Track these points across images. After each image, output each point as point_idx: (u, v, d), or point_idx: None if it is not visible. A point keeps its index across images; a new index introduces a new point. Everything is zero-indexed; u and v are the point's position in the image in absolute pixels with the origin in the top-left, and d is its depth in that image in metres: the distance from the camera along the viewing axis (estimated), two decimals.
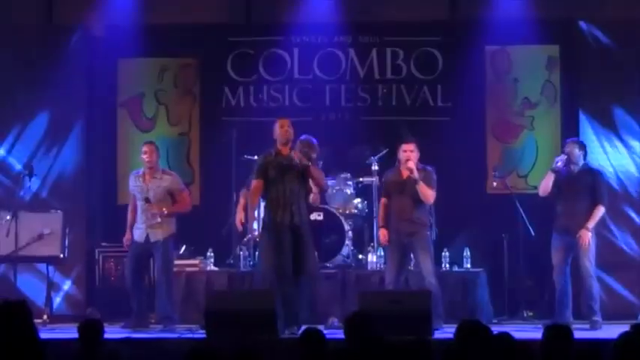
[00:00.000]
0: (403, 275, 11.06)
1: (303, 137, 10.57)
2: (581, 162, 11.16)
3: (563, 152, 11.24)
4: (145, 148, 11.30)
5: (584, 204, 11.04)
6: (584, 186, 11.07)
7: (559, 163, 11.09)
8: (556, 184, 11.07)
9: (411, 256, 11.23)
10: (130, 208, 11.40)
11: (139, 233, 11.17)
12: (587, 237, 10.91)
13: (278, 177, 10.33)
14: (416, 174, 10.82)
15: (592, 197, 11.04)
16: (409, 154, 10.95)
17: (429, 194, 10.92)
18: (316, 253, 10.87)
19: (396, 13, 13.00)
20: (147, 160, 11.23)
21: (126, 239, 11.30)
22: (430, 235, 11.09)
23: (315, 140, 10.57)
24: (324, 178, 10.66)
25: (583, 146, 11.29)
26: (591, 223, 10.95)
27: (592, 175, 11.17)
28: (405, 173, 10.98)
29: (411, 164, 10.84)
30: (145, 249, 11.14)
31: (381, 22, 13.16)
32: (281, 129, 10.41)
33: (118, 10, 12.92)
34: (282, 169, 10.34)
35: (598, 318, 10.95)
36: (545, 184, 11.13)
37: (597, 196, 11.04)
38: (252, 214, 11.01)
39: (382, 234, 11.11)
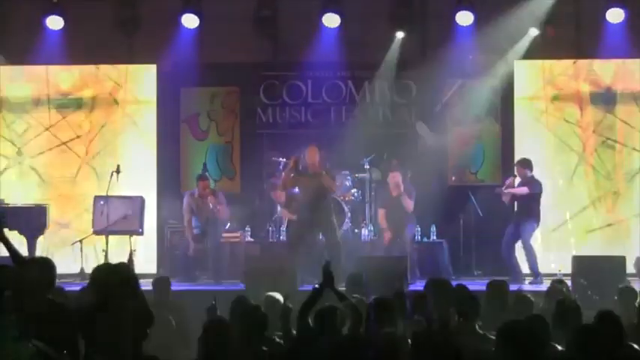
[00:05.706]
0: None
1: (309, 148, 10.78)
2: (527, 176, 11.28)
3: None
4: (204, 184, 11.46)
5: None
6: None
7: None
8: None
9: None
10: (186, 223, 11.47)
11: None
12: None
13: (305, 182, 10.66)
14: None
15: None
16: (397, 180, 11.24)
17: (409, 204, 11.22)
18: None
19: (382, 55, 12.99)
20: (207, 193, 11.37)
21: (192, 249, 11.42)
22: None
23: (315, 147, 10.79)
24: (333, 182, 10.82)
25: (524, 165, 11.36)
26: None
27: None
28: (395, 192, 11.20)
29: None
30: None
31: (371, 61, 13.11)
32: (309, 154, 10.71)
33: (181, 52, 12.86)
34: (309, 177, 10.63)
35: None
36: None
37: None
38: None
39: (387, 237, 11.30)
